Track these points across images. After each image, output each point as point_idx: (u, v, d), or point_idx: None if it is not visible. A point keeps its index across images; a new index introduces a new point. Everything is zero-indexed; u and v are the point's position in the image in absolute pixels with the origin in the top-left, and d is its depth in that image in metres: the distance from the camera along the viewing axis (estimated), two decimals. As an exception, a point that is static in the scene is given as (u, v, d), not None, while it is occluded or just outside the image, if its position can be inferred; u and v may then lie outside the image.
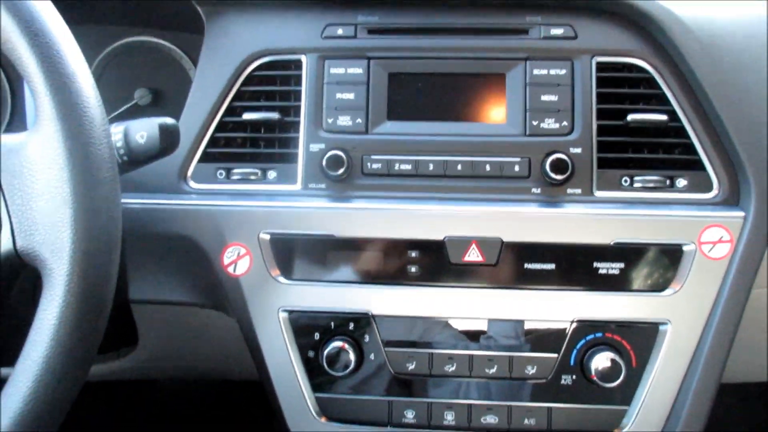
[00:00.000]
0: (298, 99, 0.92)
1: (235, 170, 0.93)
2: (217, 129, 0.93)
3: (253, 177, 0.93)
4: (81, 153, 0.57)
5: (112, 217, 0.59)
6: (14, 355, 0.71)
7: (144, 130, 0.69)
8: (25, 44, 0.56)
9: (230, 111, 0.93)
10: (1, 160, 0.59)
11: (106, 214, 0.58)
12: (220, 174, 0.93)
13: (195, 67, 1.07)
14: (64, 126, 0.57)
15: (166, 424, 1.70)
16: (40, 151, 0.57)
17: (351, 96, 0.91)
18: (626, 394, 0.88)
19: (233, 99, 0.93)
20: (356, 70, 0.92)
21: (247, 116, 0.92)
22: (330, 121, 0.91)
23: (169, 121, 0.70)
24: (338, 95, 0.91)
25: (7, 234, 0.59)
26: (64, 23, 0.61)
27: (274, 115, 0.92)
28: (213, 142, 0.93)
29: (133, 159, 0.70)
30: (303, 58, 0.92)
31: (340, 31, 0.92)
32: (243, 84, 0.93)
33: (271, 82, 0.94)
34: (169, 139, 0.70)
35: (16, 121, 1.10)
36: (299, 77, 0.93)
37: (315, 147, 0.91)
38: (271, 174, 0.93)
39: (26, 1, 0.57)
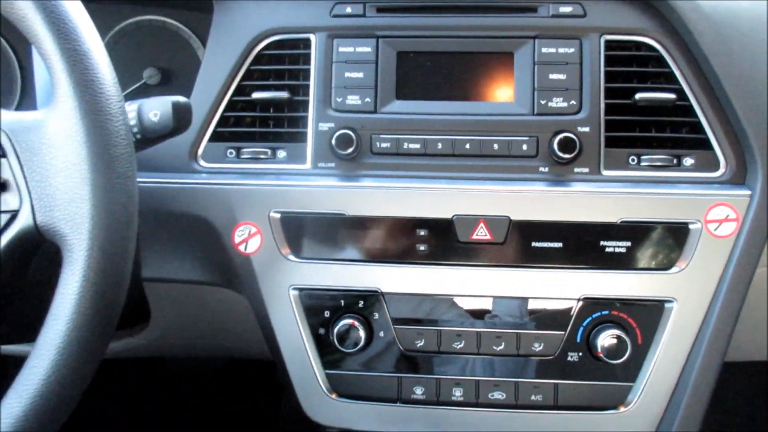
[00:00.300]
0: (307, 78, 0.93)
1: (245, 149, 0.94)
2: (227, 108, 0.93)
3: (262, 156, 0.93)
4: (98, 130, 0.58)
5: (129, 193, 0.60)
6: (31, 332, 0.72)
7: (157, 108, 0.70)
8: (41, 21, 0.57)
9: (239, 90, 0.94)
10: (21, 138, 0.60)
11: (124, 190, 0.59)
12: (230, 153, 0.94)
13: (203, 46, 1.08)
14: (81, 103, 0.58)
15: (174, 401, 1.73)
16: (59, 128, 0.58)
17: (360, 75, 0.92)
18: (631, 371, 0.90)
19: (242, 78, 0.93)
20: (365, 48, 0.92)
21: (257, 95, 0.92)
22: (339, 100, 0.91)
23: (182, 99, 0.71)
24: (347, 74, 0.92)
25: (27, 210, 0.60)
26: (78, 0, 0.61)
27: (284, 95, 0.92)
28: (223, 121, 0.94)
29: (147, 137, 0.70)
30: (312, 37, 0.93)
31: (348, 10, 0.92)
32: (252, 63, 0.93)
33: (280, 61, 0.94)
34: (182, 117, 0.70)
35: (25, 100, 1.10)
36: (308, 56, 0.93)
37: (324, 126, 0.91)
38: (281, 153, 0.93)
39: None
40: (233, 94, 0.93)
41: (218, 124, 0.94)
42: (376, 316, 0.90)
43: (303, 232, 0.90)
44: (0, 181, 0.61)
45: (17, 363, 0.74)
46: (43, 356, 0.57)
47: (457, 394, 0.91)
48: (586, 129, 0.89)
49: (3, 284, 0.63)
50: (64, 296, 0.57)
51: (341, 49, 0.92)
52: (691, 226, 0.87)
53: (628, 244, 0.88)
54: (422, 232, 0.89)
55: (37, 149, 0.59)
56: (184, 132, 0.74)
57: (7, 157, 0.60)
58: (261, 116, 0.94)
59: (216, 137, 0.94)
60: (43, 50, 0.58)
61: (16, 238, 0.60)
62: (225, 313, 1.04)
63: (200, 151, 0.94)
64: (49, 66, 0.58)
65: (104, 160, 0.58)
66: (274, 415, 1.78)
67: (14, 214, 0.60)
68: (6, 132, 0.60)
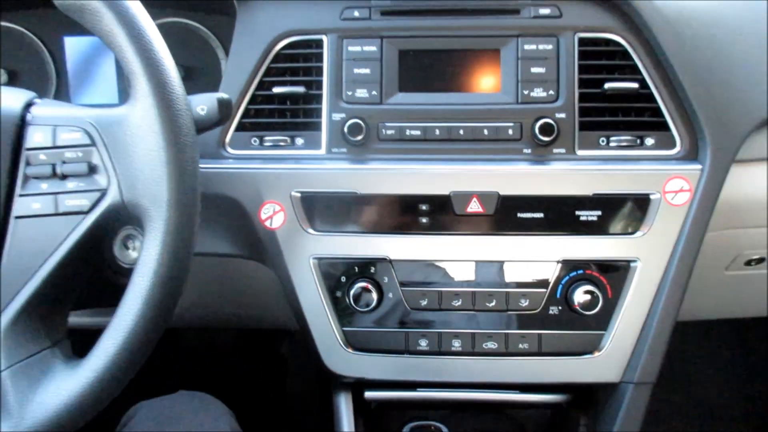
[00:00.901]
0: (320, 74, 1.03)
1: (267, 138, 1.04)
2: (250, 102, 1.04)
3: (282, 143, 1.04)
4: (172, 123, 0.70)
5: (196, 175, 0.73)
6: (100, 298, 0.85)
7: (204, 103, 0.81)
8: (124, 35, 0.69)
9: (260, 85, 1.04)
10: (107, 130, 0.72)
11: (193, 173, 0.72)
12: (254, 141, 1.05)
13: (222, 45, 1.20)
14: (158, 101, 0.70)
15: (186, 371, 1.85)
16: (139, 122, 0.71)
17: (367, 71, 1.03)
18: (603, 321, 1.02)
19: (263, 75, 1.03)
20: (371, 48, 1.02)
21: (277, 90, 1.03)
22: (349, 93, 1.03)
23: (225, 95, 0.82)
24: (355, 70, 1.02)
25: (115, 188, 0.72)
26: (148, 15, 0.74)
27: (300, 89, 1.03)
28: (246, 113, 1.05)
29: (195, 128, 0.82)
30: (324, 38, 1.03)
31: (356, 14, 1.03)
32: (271, 61, 1.04)
33: (296, 59, 1.04)
34: (225, 111, 0.82)
35: (60, 91, 1.21)
36: (320, 55, 1.03)
37: (337, 116, 1.03)
38: (299, 140, 1.05)
39: (123, 1, 0.71)
40: (255, 89, 1.04)
41: (243, 116, 1.05)
42: (386, 279, 1.03)
43: (320, 208, 1.01)
44: (91, 165, 0.73)
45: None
46: (132, 306, 0.69)
47: (456, 344, 1.04)
48: (563, 115, 1.01)
49: (92, 252, 0.76)
50: (147, 259, 0.70)
51: (350, 49, 1.03)
52: (651, 197, 0.99)
53: (600, 213, 0.99)
54: (424, 207, 1.01)
55: (121, 139, 0.72)
56: (224, 124, 0.86)
57: (97, 145, 0.73)
58: (280, 108, 1.05)
59: (241, 127, 1.05)
60: (125, 59, 0.70)
61: (105, 211, 0.72)
62: (250, 284, 1.15)
63: (227, 139, 1.05)
64: (129, 70, 0.70)
65: (177, 147, 0.70)
66: (280, 384, 1.92)
67: (104, 192, 0.73)
68: (95, 125, 0.73)
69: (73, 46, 1.22)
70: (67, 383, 0.70)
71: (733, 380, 1.93)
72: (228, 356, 1.90)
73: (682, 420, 1.83)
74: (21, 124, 0.74)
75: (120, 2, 0.70)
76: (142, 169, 0.71)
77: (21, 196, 0.74)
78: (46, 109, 0.77)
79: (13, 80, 1.22)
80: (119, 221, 0.75)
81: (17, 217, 0.74)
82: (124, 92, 1.24)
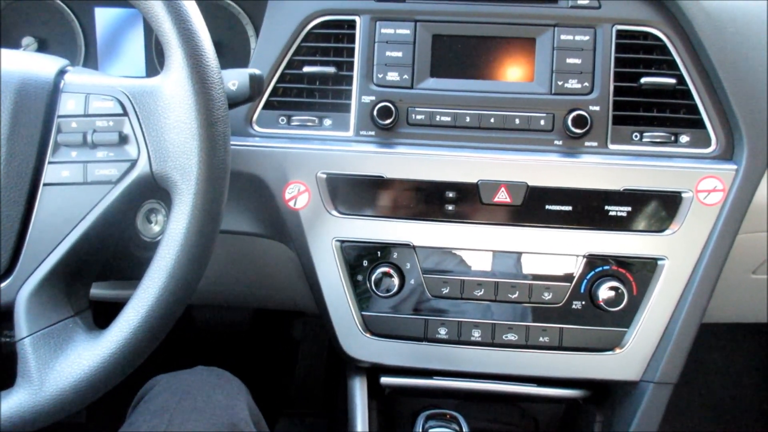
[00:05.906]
0: (352, 55, 1.02)
1: (295, 117, 1.04)
2: (279, 80, 1.03)
3: (310, 123, 1.04)
4: (204, 96, 0.70)
5: (227, 148, 0.72)
6: (122, 271, 0.85)
7: (235, 78, 0.81)
8: (162, 6, 0.68)
9: (290, 64, 1.03)
10: (139, 100, 0.72)
11: (222, 146, 0.71)
12: (282, 120, 1.05)
13: (252, 22, 1.19)
14: (192, 73, 0.69)
15: (200, 351, 1.86)
16: (172, 93, 0.70)
17: (399, 54, 1.02)
18: (627, 318, 1.01)
19: (294, 54, 1.03)
20: (404, 31, 1.01)
21: (307, 69, 1.02)
22: (380, 76, 1.02)
23: (257, 71, 0.82)
24: (387, 53, 1.02)
25: (144, 159, 0.72)
26: None
27: (330, 69, 1.02)
28: (275, 91, 1.04)
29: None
30: (357, 19, 1.02)
31: None
32: (302, 40, 1.03)
33: (327, 39, 1.03)
34: (256, 87, 0.81)
35: (89, 61, 1.21)
36: (353, 36, 1.02)
37: (366, 99, 1.02)
38: (327, 121, 1.04)
39: None
40: (285, 68, 1.03)
41: (271, 94, 1.04)
42: (408, 266, 1.02)
43: (346, 191, 1.01)
44: (122, 135, 0.73)
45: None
46: (156, 280, 0.69)
47: (476, 335, 1.03)
48: (597, 108, 0.99)
49: (117, 224, 0.75)
50: (175, 230, 0.69)
51: (383, 31, 1.02)
52: (683, 195, 0.98)
53: (629, 209, 0.98)
54: (450, 194, 1.00)
55: (153, 109, 0.71)
56: (255, 100, 0.85)
57: (128, 115, 0.72)
58: (309, 88, 1.04)
59: (269, 105, 1.04)
60: (161, 29, 0.69)
61: (134, 182, 0.72)
62: (268, 265, 1.16)
63: (255, 117, 1.04)
64: (165, 41, 0.69)
65: (209, 120, 0.70)
66: (291, 366, 1.92)
67: (134, 163, 0.72)
68: (128, 95, 0.72)
69: (104, 17, 1.21)
70: (88, 353, 0.70)
71: (748, 382, 1.91)
72: (241, 336, 1.90)
73: (694, 419, 1.81)
74: (54, 91, 0.74)
75: None
76: (173, 141, 0.70)
77: (51, 163, 0.73)
78: (79, 77, 0.76)
79: (42, 49, 1.22)
80: (146, 193, 0.74)
81: (46, 185, 0.73)
82: (152, 66, 1.24)
